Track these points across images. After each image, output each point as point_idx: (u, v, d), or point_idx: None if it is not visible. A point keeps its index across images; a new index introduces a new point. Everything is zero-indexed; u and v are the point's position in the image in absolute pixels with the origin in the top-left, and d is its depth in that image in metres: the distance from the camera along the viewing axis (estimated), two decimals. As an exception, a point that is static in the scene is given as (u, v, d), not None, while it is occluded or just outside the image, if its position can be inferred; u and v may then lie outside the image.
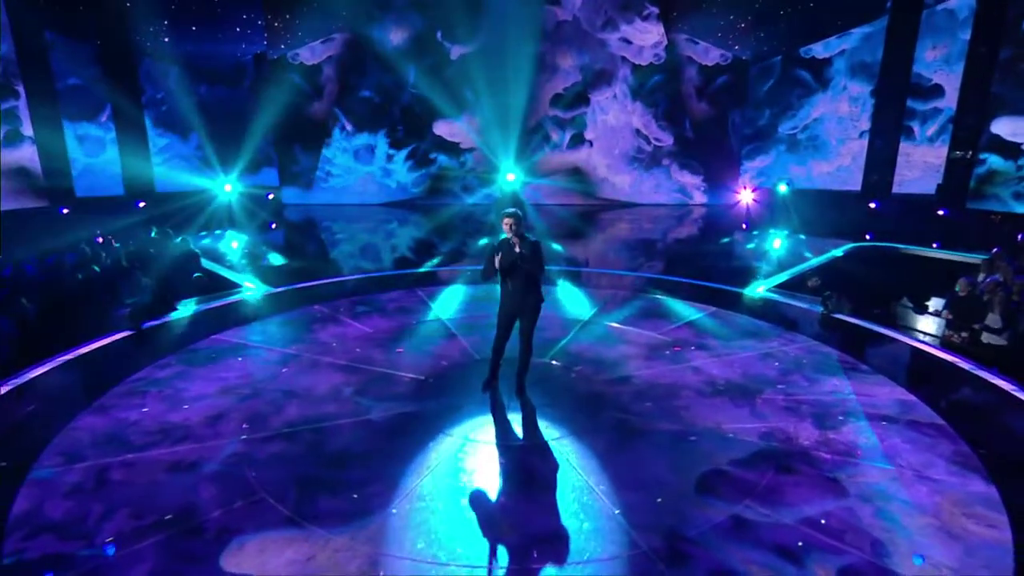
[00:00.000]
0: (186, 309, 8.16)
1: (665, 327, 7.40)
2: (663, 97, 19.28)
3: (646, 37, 18.67)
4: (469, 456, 4.57)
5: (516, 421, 5.09)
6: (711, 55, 18.87)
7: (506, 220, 4.86)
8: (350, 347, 6.69)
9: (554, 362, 6.25)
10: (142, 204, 15.55)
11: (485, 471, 4.39)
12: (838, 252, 12.06)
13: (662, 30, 18.63)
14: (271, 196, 18.84)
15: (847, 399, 5.51)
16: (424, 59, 19.08)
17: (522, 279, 5.01)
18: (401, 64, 19.10)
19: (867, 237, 13.15)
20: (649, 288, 9.27)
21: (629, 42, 18.81)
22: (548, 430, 4.90)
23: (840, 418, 5.16)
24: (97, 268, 8.63)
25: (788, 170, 18.44)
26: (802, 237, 13.64)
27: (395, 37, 18.88)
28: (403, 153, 20.12)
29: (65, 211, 14.19)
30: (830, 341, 6.94)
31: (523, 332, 5.25)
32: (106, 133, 16.40)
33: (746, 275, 10.04)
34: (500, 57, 18.36)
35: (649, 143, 19.67)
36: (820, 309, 7.97)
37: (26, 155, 13.80)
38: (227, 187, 16.93)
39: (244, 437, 4.81)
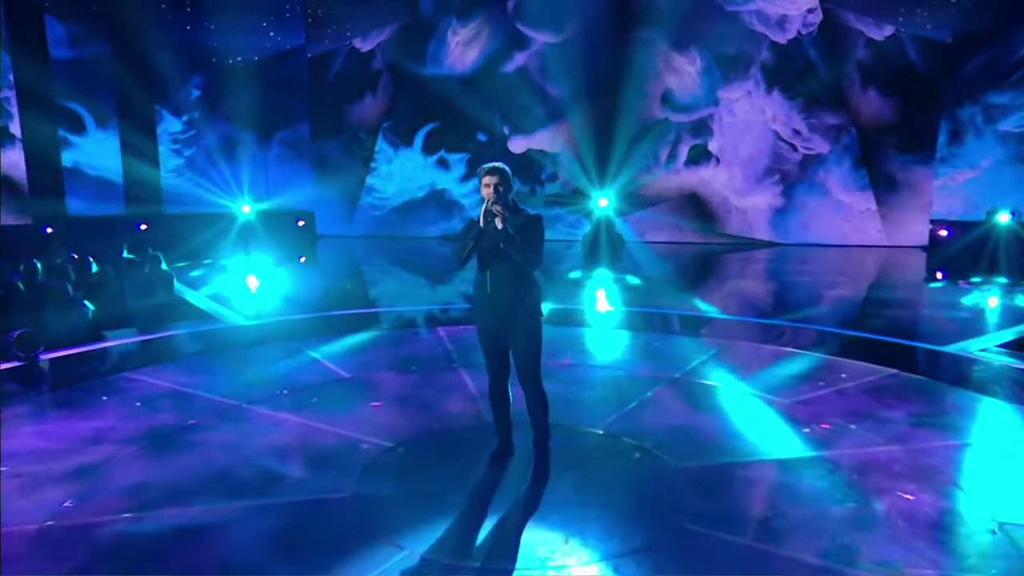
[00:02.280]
0: (117, 337, 8.07)
1: (805, 392, 6.08)
2: (817, 87, 17.71)
3: (791, 6, 17.39)
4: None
5: (524, 528, 3.79)
6: (885, 27, 17.20)
7: (485, 179, 4.03)
8: (307, 396, 5.98)
9: (602, 433, 5.06)
10: (144, 226, 15.84)
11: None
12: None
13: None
14: (302, 223, 18.90)
15: None
16: (493, 51, 18.84)
17: (507, 273, 4.04)
18: (466, 60, 18.97)
19: None
20: (786, 338, 8.23)
21: (768, 14, 17.62)
22: (582, 548, 3.57)
23: None
24: (22, 285, 8.45)
25: (1012, 191, 16.04)
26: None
27: (459, 24, 18.84)
28: (470, 182, 19.79)
29: (48, 230, 14.59)
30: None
31: (521, 370, 4.19)
32: (109, 141, 17.10)
33: (951, 331, 8.84)
34: (594, 46, 17.79)
35: (796, 151, 17.97)
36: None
37: (11, 161, 14.43)
38: (245, 208, 17.05)
39: (50, 523, 3.72)
